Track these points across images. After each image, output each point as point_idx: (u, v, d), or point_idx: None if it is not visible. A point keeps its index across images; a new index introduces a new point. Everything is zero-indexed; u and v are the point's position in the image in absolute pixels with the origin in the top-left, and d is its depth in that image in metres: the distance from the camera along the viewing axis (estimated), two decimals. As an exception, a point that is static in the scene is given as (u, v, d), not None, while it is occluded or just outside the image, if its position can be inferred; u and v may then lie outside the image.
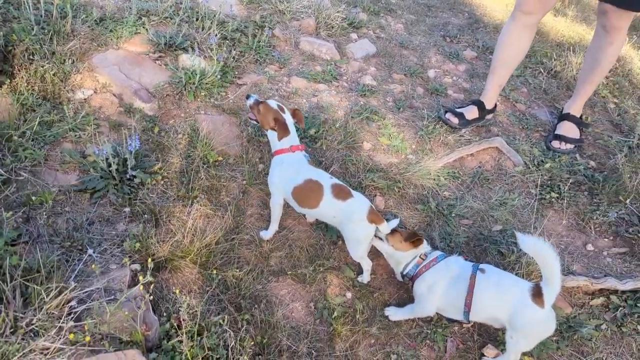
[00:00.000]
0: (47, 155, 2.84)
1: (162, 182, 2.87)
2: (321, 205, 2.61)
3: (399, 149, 3.59)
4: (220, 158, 3.11)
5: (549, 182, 3.46)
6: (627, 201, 3.29)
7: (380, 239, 2.65)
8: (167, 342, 2.11)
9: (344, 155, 3.40)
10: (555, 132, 3.80)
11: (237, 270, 2.59)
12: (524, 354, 2.58)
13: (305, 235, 2.94)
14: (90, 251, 2.27)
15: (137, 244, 2.35)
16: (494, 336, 2.66)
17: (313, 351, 2.49)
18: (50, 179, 2.75)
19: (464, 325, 2.73)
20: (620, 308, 2.80)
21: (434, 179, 3.42)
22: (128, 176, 2.68)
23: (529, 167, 3.56)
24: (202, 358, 2.13)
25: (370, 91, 4.06)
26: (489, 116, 3.91)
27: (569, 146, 3.72)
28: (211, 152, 3.07)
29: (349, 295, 2.77)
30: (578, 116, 3.86)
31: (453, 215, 3.22)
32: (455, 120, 3.76)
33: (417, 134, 3.73)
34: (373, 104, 3.96)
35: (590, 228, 3.22)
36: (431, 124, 3.81)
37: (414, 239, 2.56)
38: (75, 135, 2.98)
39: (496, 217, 3.23)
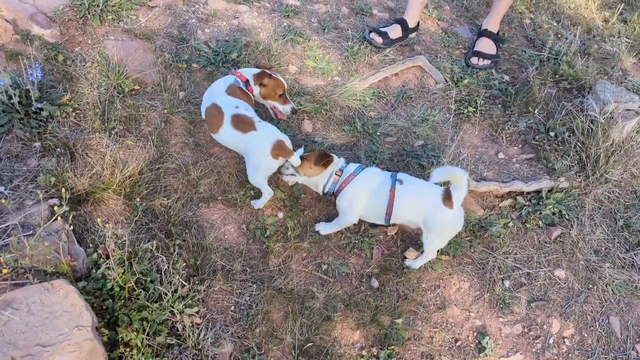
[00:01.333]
0: None
1: (74, 114, 2.70)
2: (220, 132, 2.60)
3: (325, 71, 3.57)
4: (136, 87, 2.95)
5: (467, 97, 3.63)
6: (535, 111, 3.55)
7: (293, 174, 2.69)
8: (96, 271, 2.11)
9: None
10: (474, 49, 3.93)
11: (165, 199, 2.58)
12: (441, 252, 2.86)
13: (234, 161, 2.94)
14: (0, 188, 2.15)
15: (53, 179, 2.25)
16: (415, 240, 2.91)
17: (247, 268, 2.61)
18: (-57, 117, 2.50)
19: (389, 234, 2.94)
20: (525, 207, 3.13)
21: (360, 100, 3.48)
22: (34, 109, 2.50)
23: (449, 84, 3.70)
24: (135, 282, 2.17)
25: (294, 12, 3.93)
26: (413, 35, 3.95)
27: (486, 62, 3.89)
28: (125, 80, 2.90)
29: (280, 215, 2.86)
30: (495, 32, 4.00)
31: (378, 134, 3.33)
32: (379, 40, 3.77)
33: (342, 55, 3.71)
34: (297, 25, 3.86)
35: (502, 138, 3.47)
36: (356, 44, 3.80)
37: (323, 161, 2.61)
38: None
39: (418, 133, 3.39)
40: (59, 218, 1.93)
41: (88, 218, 2.37)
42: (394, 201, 2.54)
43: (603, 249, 3.08)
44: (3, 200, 1.99)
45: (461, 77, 3.74)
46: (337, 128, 3.31)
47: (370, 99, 3.52)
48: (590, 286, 2.94)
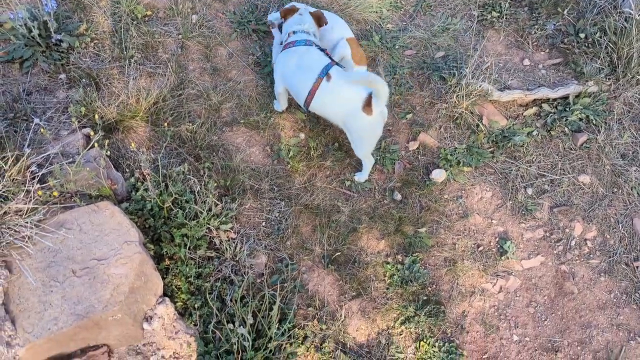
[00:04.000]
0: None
1: (92, 44, 2.73)
2: None
3: (339, -17, 3.42)
4: (149, 12, 2.92)
5: (491, 1, 3.44)
6: (565, 11, 3.35)
7: None
8: (135, 193, 2.25)
9: (282, -4, 3.23)
10: (499, -52, 3.64)
11: (190, 124, 2.65)
12: (462, 164, 2.89)
13: (252, 84, 2.95)
14: (36, 120, 2.25)
15: (83, 109, 2.34)
16: (437, 155, 2.94)
17: (275, 187, 2.72)
18: (-30, 56, 2.57)
19: (410, 149, 2.97)
20: (551, 114, 3.07)
21: (377, 12, 3.35)
22: (54, 41, 2.53)
23: (472, -12, 3.50)
24: (172, 202, 2.31)
25: None
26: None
27: (512, -39, 3.61)
28: (137, 6, 2.86)
29: (302, 135, 2.91)
30: None
31: (397, 47, 3.24)
32: (396, -55, 3.53)
33: (357, -35, 3.52)
34: None
35: (529, 43, 3.32)
36: (371, -49, 3.57)
37: (284, 13, 2.67)
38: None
39: (438, 44, 3.28)
40: (96, 145, 2.04)
41: (121, 145, 2.48)
42: (315, 93, 2.48)
43: (631, 152, 3.04)
44: (42, 130, 2.10)
45: (485, -20, 3.51)
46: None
47: (388, 10, 3.38)
48: (615, 190, 2.94)
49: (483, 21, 3.38)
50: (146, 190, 2.18)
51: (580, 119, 3.06)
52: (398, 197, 2.82)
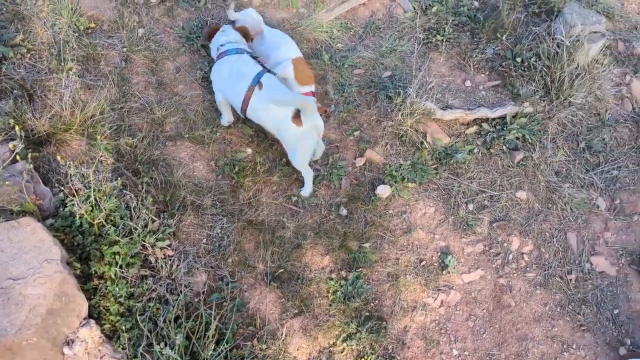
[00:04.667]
0: None
1: (29, 55, 2.63)
2: None
3: (289, 3, 3.47)
4: (92, 25, 2.86)
5: (436, 25, 3.58)
6: (503, 37, 3.53)
7: None
8: (63, 209, 2.16)
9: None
10: (444, -26, 3.82)
11: (130, 138, 2.58)
12: (407, 180, 2.95)
13: (199, 99, 2.92)
14: (-42, 132, 2.14)
15: (11, 120, 2.24)
16: (383, 171, 2.99)
17: (217, 203, 2.68)
18: None
19: (357, 165, 3.01)
20: (490, 133, 3.19)
21: (327, 32, 3.42)
22: (-17, 50, 2.43)
23: (417, 12, 3.63)
24: (105, 219, 2.23)
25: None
26: (380, -39, 3.81)
27: (456, -13, 3.80)
28: (80, 18, 2.80)
29: (249, 150, 2.90)
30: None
31: (346, 66, 3.31)
32: (345, -32, 3.64)
33: (307, -14, 3.60)
34: (261, -45, 3.69)
35: (470, 66, 3.47)
36: (322, -27, 3.66)
37: (209, 35, 2.77)
38: None
39: (386, 64, 3.37)
40: (18, 158, 1.95)
41: (52, 159, 2.38)
42: (249, 101, 2.52)
43: (564, 170, 3.20)
44: (-40, 143, 1.99)
45: (430, 5, 3.66)
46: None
47: (338, 31, 3.46)
48: (550, 205, 3.08)
49: (428, 44, 3.51)
50: (74, 205, 2.09)
51: (517, 138, 3.20)
52: (344, 212, 2.84)
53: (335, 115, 3.12)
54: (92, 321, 2.03)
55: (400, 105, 3.09)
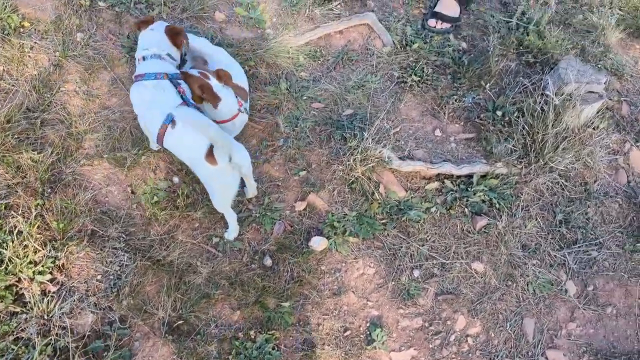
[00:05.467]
0: None
1: (-58, 49, 2.43)
2: None
3: (257, 22, 3.21)
4: (26, 23, 2.64)
5: (414, 64, 3.26)
6: (487, 85, 3.18)
7: None
8: None
9: (188, 25, 3.00)
10: (434, 9, 3.51)
11: (35, 153, 2.34)
12: (349, 233, 2.63)
13: (132, 115, 2.66)
14: None
15: None
16: (324, 220, 2.67)
17: (123, 235, 2.40)
18: None
19: (297, 209, 2.71)
20: (452, 192, 2.85)
21: (292, 58, 3.13)
22: None
23: (397, 48, 3.32)
24: (-25, 244, 1.98)
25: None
26: (367, -12, 3.52)
27: (445, 25, 3.47)
28: (13, 15, 2.59)
29: (175, 179, 2.62)
30: (461, -9, 3.56)
31: (305, 98, 3.01)
32: (324, -9, 3.36)
33: (280, 5, 3.33)
34: (239, -33, 3.45)
35: (444, 113, 3.13)
36: (299, -7, 3.40)
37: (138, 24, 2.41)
38: None
39: (350, 100, 3.06)
40: None
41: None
42: (163, 137, 2.23)
43: (533, 244, 2.83)
44: None
45: (412, 41, 3.35)
46: (260, 87, 2.99)
47: (305, 58, 3.17)
48: (509, 283, 2.71)
49: (402, 83, 3.19)
50: None
51: (483, 201, 2.84)
52: (268, 262, 2.53)
53: (282, 151, 2.82)
54: None
55: (355, 149, 2.77)
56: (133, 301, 2.27)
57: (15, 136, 2.34)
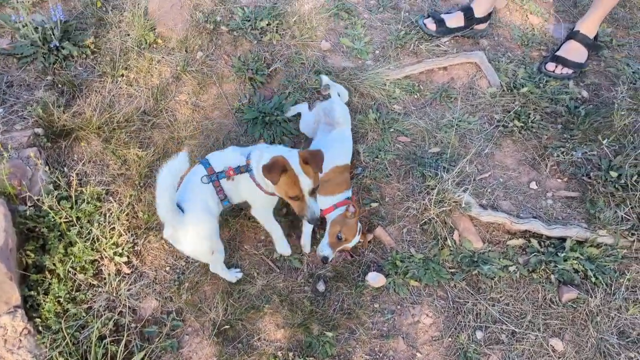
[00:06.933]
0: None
1: (93, 57, 2.95)
2: None
3: (359, 53, 3.28)
4: (159, 41, 3.08)
5: (521, 108, 3.00)
6: (605, 141, 2.79)
7: None
8: (44, 202, 2.31)
9: (294, 52, 3.20)
10: (556, 53, 3.21)
11: (140, 150, 2.69)
12: (411, 276, 2.49)
13: (227, 128, 2.91)
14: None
15: (40, 110, 2.51)
16: (387, 257, 2.58)
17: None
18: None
19: (360, 240, 2.66)
20: (538, 253, 2.53)
21: (387, 90, 3.13)
22: (52, 45, 2.79)
23: (504, 89, 3.10)
24: (76, 219, 2.33)
25: (355, -15, 3.65)
26: (481, 26, 3.38)
27: (567, 71, 3.15)
28: (149, 33, 3.04)
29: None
30: (591, 36, 3.20)
31: (391, 130, 2.97)
32: (432, 27, 3.31)
33: (386, 39, 3.36)
34: (352, 0, 3.58)
35: (546, 165, 2.81)
36: (406, 28, 3.39)
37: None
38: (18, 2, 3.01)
39: (439, 138, 2.94)
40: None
41: (66, 152, 2.60)
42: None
43: (634, 333, 2.36)
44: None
45: (522, 84, 3.09)
46: (350, 116, 3.04)
47: (401, 91, 3.14)
48: (594, 373, 2.29)
49: (502, 127, 2.96)
50: (57, 197, 2.24)
51: (576, 271, 2.47)
52: (322, 287, 2.52)
53: (358, 179, 2.81)
54: (21, 311, 2.12)
55: (432, 189, 2.64)
56: (191, 297, 2.44)
57: (129, 134, 2.73)
